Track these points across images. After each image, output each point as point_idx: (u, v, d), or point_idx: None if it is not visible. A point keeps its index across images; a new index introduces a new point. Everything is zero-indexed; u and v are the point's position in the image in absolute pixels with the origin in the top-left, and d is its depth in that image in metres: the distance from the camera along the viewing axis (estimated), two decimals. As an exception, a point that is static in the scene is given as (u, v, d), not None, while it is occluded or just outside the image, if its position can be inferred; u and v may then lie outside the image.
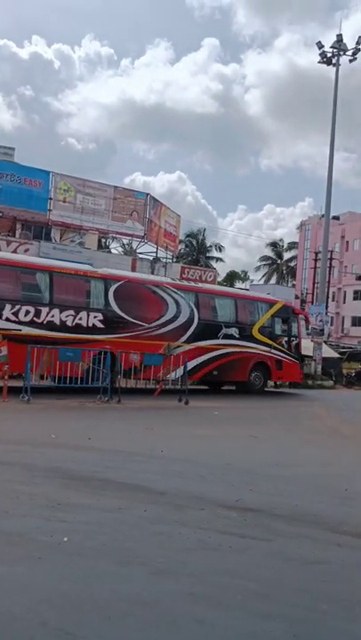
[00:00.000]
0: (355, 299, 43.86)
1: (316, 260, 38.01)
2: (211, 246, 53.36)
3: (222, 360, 17.47)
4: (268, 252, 61.07)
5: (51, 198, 31.28)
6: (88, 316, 15.01)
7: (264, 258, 60.43)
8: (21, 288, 14.47)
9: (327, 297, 32.57)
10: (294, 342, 19.78)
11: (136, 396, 14.37)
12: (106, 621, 2.75)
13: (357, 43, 29.38)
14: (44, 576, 3.29)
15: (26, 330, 13.88)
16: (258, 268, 60.29)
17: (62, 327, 14.50)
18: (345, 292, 47.62)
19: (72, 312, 14.72)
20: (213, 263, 51.16)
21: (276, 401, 17.50)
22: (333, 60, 29.70)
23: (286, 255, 60.59)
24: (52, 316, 14.37)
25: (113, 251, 42.96)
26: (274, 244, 60.79)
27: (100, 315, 15.21)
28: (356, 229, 48.46)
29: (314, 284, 37.65)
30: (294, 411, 14.82)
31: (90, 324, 14.99)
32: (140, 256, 34.56)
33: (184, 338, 16.69)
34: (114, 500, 4.99)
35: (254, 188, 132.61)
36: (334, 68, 29.68)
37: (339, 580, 3.62)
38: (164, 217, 36.37)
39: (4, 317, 13.64)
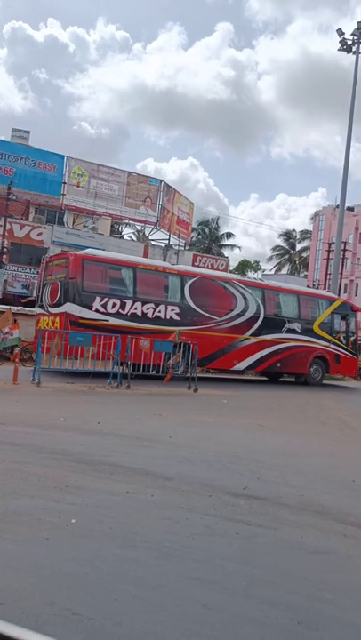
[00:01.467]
0: (367, 291, 43.67)
1: (329, 251, 37.75)
2: (223, 235, 53.20)
3: (285, 353, 18.57)
4: (280, 242, 60.79)
5: (65, 182, 31.26)
6: (166, 308, 16.24)
7: (277, 248, 60.14)
8: (109, 282, 15.66)
9: (339, 288, 32.36)
10: (352, 338, 20.87)
11: (145, 383, 14.43)
12: (112, 603, 2.78)
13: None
14: (52, 557, 3.33)
15: (112, 320, 15.06)
16: (270, 258, 60.07)
17: (144, 319, 15.73)
18: (357, 283, 47.27)
19: (152, 305, 15.96)
20: (226, 252, 51.03)
21: (287, 391, 17.49)
22: (353, 48, 29.26)
23: (299, 246, 60.27)
24: (135, 309, 15.62)
25: (125, 237, 42.94)
26: (287, 234, 60.45)
27: (177, 308, 16.42)
28: (370, 221, 48.10)
29: (326, 275, 37.41)
30: (303, 402, 14.81)
31: (168, 317, 16.20)
32: (153, 243, 34.53)
33: (251, 331, 17.77)
34: (122, 484, 5.03)
35: (266, 177, 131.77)
36: (347, 56, 29.29)
37: (343, 569, 3.64)
38: (177, 204, 36.26)
39: (93, 309, 14.87)
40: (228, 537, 3.96)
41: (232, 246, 52.30)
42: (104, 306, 15.03)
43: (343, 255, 35.15)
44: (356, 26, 29.15)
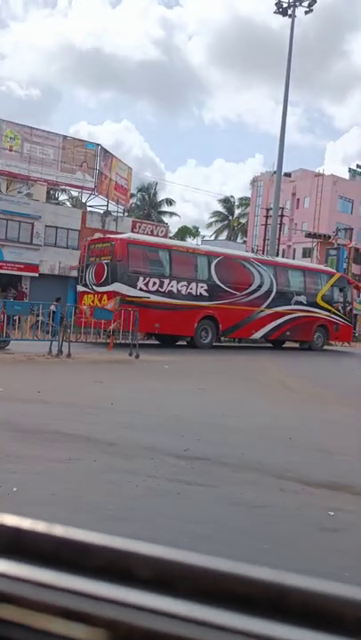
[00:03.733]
0: (304, 255, 44.55)
1: (267, 217, 38.22)
2: (163, 201, 52.77)
3: (294, 323, 20.52)
4: (219, 208, 60.90)
5: (-4, 146, 29.98)
6: (197, 285, 17.99)
7: (216, 214, 60.25)
8: (149, 263, 17.47)
9: (277, 254, 32.93)
10: (348, 308, 23.12)
11: (87, 351, 14.35)
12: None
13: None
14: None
15: (153, 298, 16.83)
16: (210, 224, 60.13)
17: (178, 295, 17.54)
18: (294, 249, 48.22)
19: (185, 282, 17.74)
20: (165, 219, 50.72)
21: (228, 355, 17.81)
22: (289, 11, 29.12)
23: (237, 211, 60.61)
24: (172, 286, 17.42)
25: (62, 203, 41.86)
26: (225, 200, 60.59)
27: (205, 285, 18.20)
28: (306, 187, 48.76)
29: (265, 240, 37.95)
30: (243, 364, 15.14)
31: (198, 293, 17.99)
32: (91, 209, 33.85)
33: (266, 304, 19.72)
34: (63, 451, 5.02)
35: (203, 142, 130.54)
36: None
37: (281, 521, 3.80)
38: (115, 169, 35.56)
39: (137, 287, 16.63)
40: (170, 497, 4.05)
41: (171, 214, 52.11)
42: (146, 284, 16.85)
43: (281, 221, 35.66)
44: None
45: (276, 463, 5.19)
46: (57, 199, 43.32)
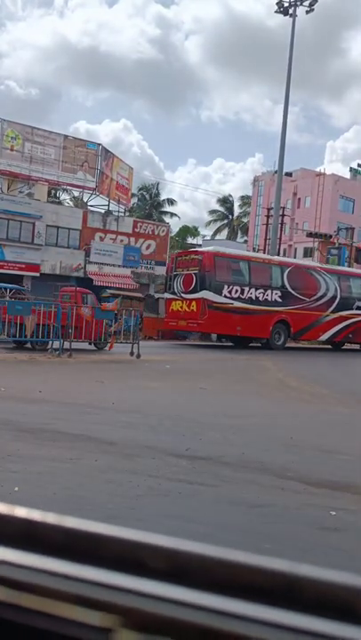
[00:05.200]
0: (305, 255, 44.47)
1: (268, 217, 38.17)
2: (164, 201, 52.76)
3: (356, 326, 21.94)
4: (218, 207, 60.84)
5: (-3, 146, 29.99)
6: (272, 292, 19.81)
7: (216, 213, 60.21)
8: (232, 274, 19.29)
9: (278, 253, 32.93)
10: None
11: (87, 351, 14.35)
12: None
13: (315, -7, 28.83)
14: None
15: (235, 304, 18.69)
16: (209, 223, 60.10)
17: (256, 301, 19.29)
18: (295, 248, 48.17)
19: (262, 290, 19.56)
20: (166, 218, 50.68)
21: (228, 354, 17.81)
22: (290, 11, 29.07)
23: (238, 211, 60.57)
24: (251, 294, 19.21)
25: (63, 203, 41.87)
26: (225, 200, 60.54)
27: (279, 292, 19.96)
28: (307, 186, 48.72)
29: (265, 240, 37.93)
30: (244, 364, 15.14)
31: (273, 299, 19.76)
32: (92, 209, 33.86)
33: (331, 309, 21.34)
34: (65, 450, 5.03)
35: (202, 141, 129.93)
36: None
37: (281, 521, 3.81)
38: (116, 169, 35.56)
39: (223, 295, 18.50)
40: (171, 496, 4.05)
41: (172, 214, 52.04)
42: (230, 292, 18.72)
43: (282, 220, 35.63)
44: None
45: (277, 463, 5.19)
46: (58, 199, 43.32)
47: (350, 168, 52.24)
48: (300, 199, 50.32)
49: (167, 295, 20.51)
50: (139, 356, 13.88)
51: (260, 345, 20.26)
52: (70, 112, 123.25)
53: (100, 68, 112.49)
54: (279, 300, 19.95)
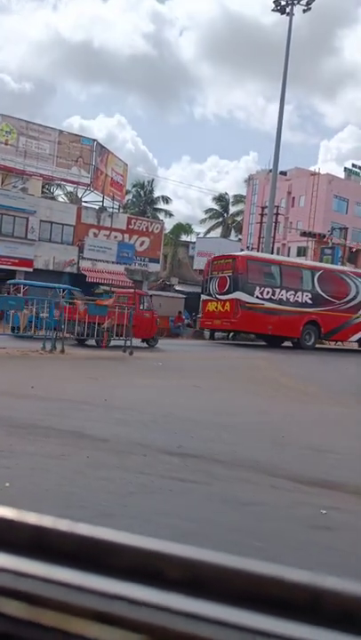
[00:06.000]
0: (298, 254, 44.55)
1: (262, 215, 38.19)
2: (158, 198, 52.63)
3: None
4: (212, 205, 60.75)
5: (-9, 140, 29.82)
6: (302, 294, 20.67)
7: (209, 210, 60.14)
8: (264, 276, 20.38)
9: (272, 252, 32.95)
10: None
11: (80, 347, 14.33)
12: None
13: (312, -7, 28.81)
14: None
15: (266, 304, 19.70)
16: (203, 221, 60.02)
17: (287, 302, 20.20)
18: (289, 247, 48.18)
19: (293, 292, 20.44)
20: (161, 216, 50.55)
21: (220, 352, 17.83)
22: (287, 10, 29.05)
23: (232, 209, 60.52)
24: (282, 295, 20.19)
25: (57, 198, 41.69)
26: (220, 198, 60.51)
27: (309, 294, 20.80)
28: (302, 186, 48.73)
29: (259, 238, 37.96)
30: (236, 362, 15.16)
31: (303, 301, 20.62)
32: (86, 205, 33.74)
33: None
34: (57, 446, 5.03)
35: (196, 139, 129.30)
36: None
37: (273, 519, 3.82)
38: (110, 165, 35.42)
39: (255, 296, 19.55)
40: (162, 494, 4.06)
41: (167, 212, 51.90)
42: (261, 293, 19.75)
43: (276, 219, 35.68)
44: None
45: (269, 461, 5.20)
46: (52, 194, 43.14)
47: (345, 168, 52.33)
48: (294, 198, 50.34)
49: (203, 297, 22.01)
50: (131, 353, 13.87)
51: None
52: (64, 107, 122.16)
53: (94, 63, 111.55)
54: (310, 301, 20.84)
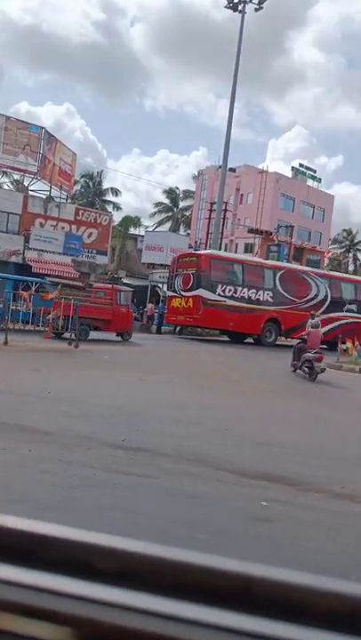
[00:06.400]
0: (245, 251, 45.14)
1: (211, 211, 38.43)
2: (107, 190, 52.07)
3: (345, 327, 23.09)
4: (162, 199, 60.67)
5: None
6: (263, 293, 21.56)
7: (160, 205, 60.05)
8: (226, 274, 21.18)
9: (220, 248, 33.24)
10: None
11: (25, 339, 14.03)
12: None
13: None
14: None
15: (228, 302, 20.51)
16: (153, 215, 59.84)
17: (248, 300, 20.99)
18: (237, 244, 48.74)
19: (255, 290, 21.34)
20: (110, 208, 50.04)
21: (169, 347, 17.86)
22: (240, 7, 29.25)
23: (182, 204, 60.59)
24: (243, 293, 21.05)
25: (3, 186, 40.60)
26: (170, 192, 60.48)
27: (271, 293, 21.73)
28: (250, 183, 49.33)
29: (208, 234, 38.22)
30: (184, 357, 15.23)
31: (265, 299, 21.50)
32: (32, 194, 33.00)
33: (321, 310, 22.29)
34: (-2, 440, 4.90)
35: (146, 131, 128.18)
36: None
37: (217, 511, 3.85)
38: (59, 154, 34.79)
39: (216, 293, 20.39)
40: (106, 487, 4.02)
41: (115, 204, 51.43)
42: (223, 291, 20.59)
43: (224, 215, 35.98)
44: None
45: (214, 454, 5.24)
46: (-3, 181, 41.98)
47: (292, 167, 53.28)
48: (242, 195, 50.93)
49: (169, 293, 22.88)
50: (77, 345, 13.70)
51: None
52: (12, 92, 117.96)
53: (43, 49, 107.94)
54: (271, 300, 21.66)
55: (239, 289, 21.10)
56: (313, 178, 53.16)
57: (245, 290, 21.22)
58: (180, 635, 0.41)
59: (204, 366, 13.20)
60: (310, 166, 54.44)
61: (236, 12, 29.37)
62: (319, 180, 53.93)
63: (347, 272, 44.58)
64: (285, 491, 4.39)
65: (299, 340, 14.64)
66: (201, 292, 20.36)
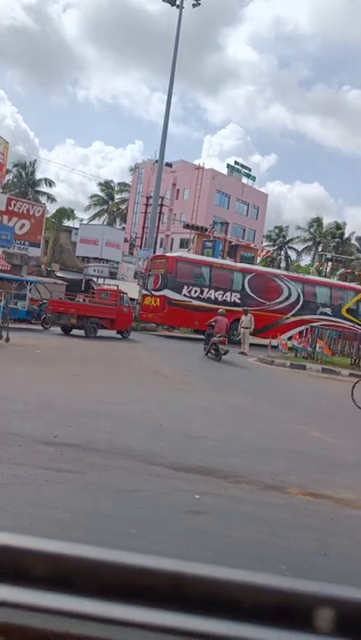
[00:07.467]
0: (181, 246, 45.36)
1: (147, 205, 38.38)
2: (40, 180, 50.90)
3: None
4: (97, 191, 59.98)
5: None
6: (231, 294, 22.71)
7: (95, 197, 59.31)
8: (193, 276, 22.32)
9: (155, 242, 33.25)
10: None
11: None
12: None
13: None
14: None
15: (194, 302, 21.74)
16: (88, 207, 59.02)
17: (215, 301, 21.83)
18: (173, 239, 48.91)
19: (222, 292, 22.51)
20: (43, 199, 48.94)
21: (104, 342, 17.71)
22: (177, 1, 29.27)
23: (117, 197, 60.09)
24: (210, 294, 22.25)
25: None
26: (106, 184, 59.85)
27: (239, 294, 22.89)
28: (187, 179, 49.54)
29: (143, 228, 38.14)
30: (120, 352, 15.15)
31: (232, 300, 22.52)
32: None
33: (292, 312, 23.90)
34: None
35: (81, 122, 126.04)
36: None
37: (148, 505, 3.87)
38: (-10, 142, 33.62)
39: (182, 294, 21.58)
40: (37, 484, 3.95)
41: (49, 196, 50.34)
42: (189, 292, 21.78)
43: (160, 210, 36.02)
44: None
45: (147, 449, 5.26)
46: None
47: (228, 165, 53.93)
48: (178, 190, 51.11)
49: (143, 292, 24.05)
50: (8, 339, 13.35)
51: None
52: None
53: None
54: (238, 301, 22.52)
55: (205, 290, 22.20)
56: (248, 176, 54.04)
57: (212, 291, 22.31)
58: (114, 636, 0.41)
59: (140, 362, 13.19)
60: (245, 164, 55.25)
61: (174, 7, 29.39)
62: (253, 179, 54.87)
63: (279, 269, 45.72)
64: (217, 483, 4.47)
65: (209, 328, 15.98)
66: (166, 292, 21.58)
